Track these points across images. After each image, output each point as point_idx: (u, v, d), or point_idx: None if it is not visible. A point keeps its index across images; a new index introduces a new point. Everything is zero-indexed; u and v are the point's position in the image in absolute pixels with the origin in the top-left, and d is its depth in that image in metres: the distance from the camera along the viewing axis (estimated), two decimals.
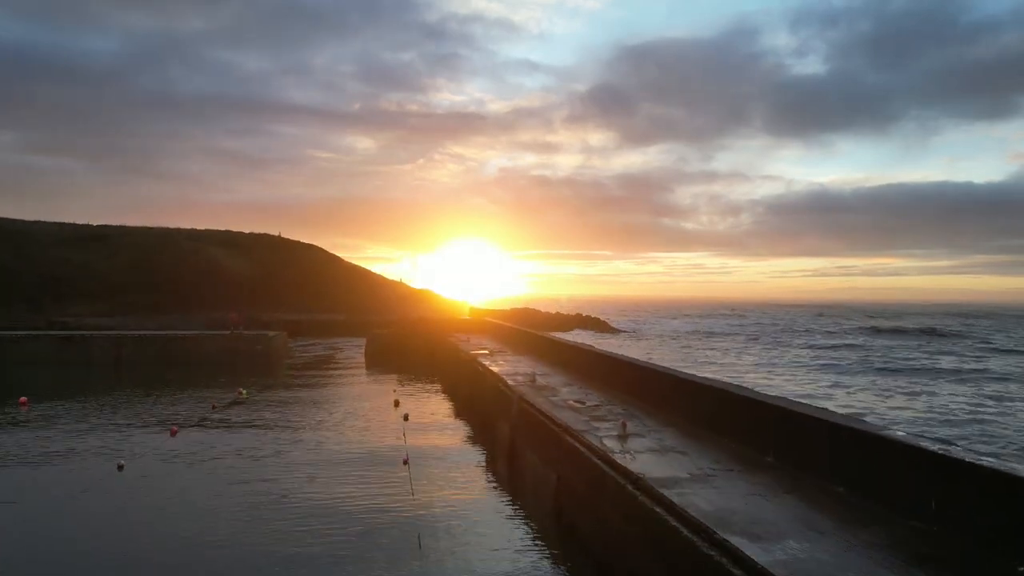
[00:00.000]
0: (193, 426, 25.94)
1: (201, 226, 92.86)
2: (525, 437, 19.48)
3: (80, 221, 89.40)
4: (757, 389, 20.01)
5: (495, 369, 29.37)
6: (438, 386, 39.58)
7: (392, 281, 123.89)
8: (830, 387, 42.80)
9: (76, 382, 38.21)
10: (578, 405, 20.15)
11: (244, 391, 34.35)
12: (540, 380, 25.67)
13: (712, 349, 67.74)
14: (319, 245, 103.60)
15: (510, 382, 25.20)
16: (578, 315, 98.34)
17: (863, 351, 68.32)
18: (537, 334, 35.97)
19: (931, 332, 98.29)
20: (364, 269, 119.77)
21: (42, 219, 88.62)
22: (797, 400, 16.39)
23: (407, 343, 52.30)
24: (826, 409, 15.50)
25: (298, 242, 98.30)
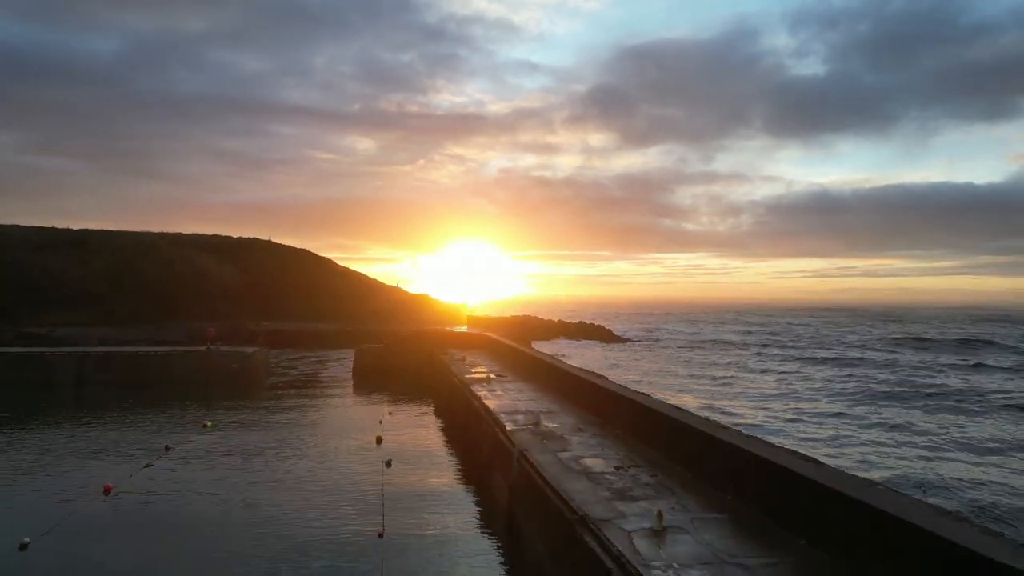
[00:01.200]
0: (140, 470, 21.90)
1: (191, 229, 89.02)
2: (527, 512, 15.43)
3: (61, 225, 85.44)
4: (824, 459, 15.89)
5: (492, 404, 25.33)
6: (431, 408, 35.63)
7: (388, 286, 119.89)
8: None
9: (26, 408, 34.15)
10: (594, 468, 16.10)
11: (209, 423, 30.35)
12: (545, 422, 21.63)
13: (736, 369, 59.06)
14: (312, 249, 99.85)
15: (509, 425, 21.17)
16: (581, 323, 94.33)
17: (905, 371, 59.28)
18: (543, 359, 31.95)
19: (972, 344, 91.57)
20: (359, 274, 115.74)
21: (19, 223, 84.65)
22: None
23: (398, 360, 48.29)
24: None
25: (289, 247, 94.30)
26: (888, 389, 47.60)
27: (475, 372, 35.87)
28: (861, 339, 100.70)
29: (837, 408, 39.46)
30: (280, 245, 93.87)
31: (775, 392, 46.23)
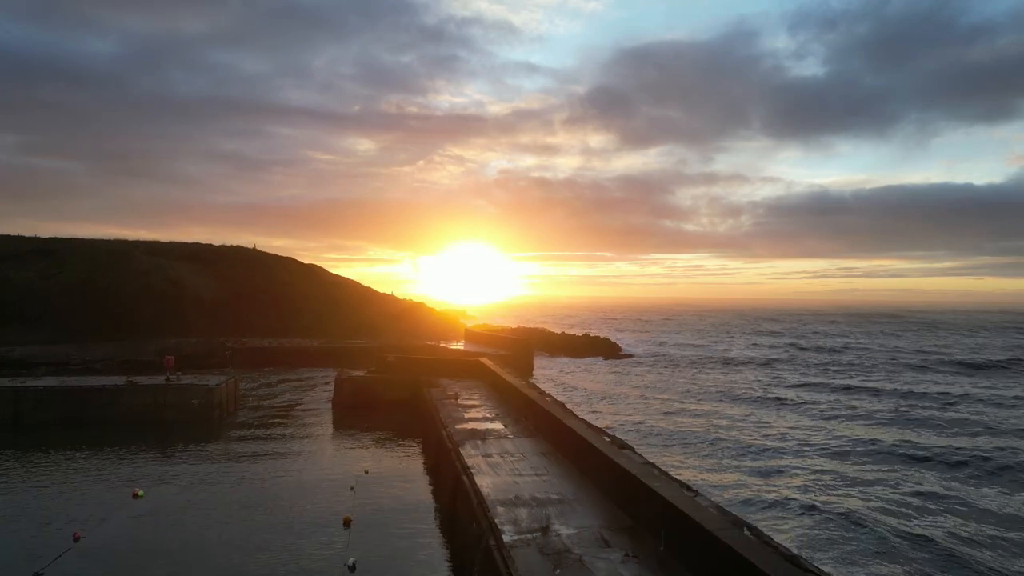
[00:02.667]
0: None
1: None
2: None
3: (29, 233, 79.86)
4: None
5: (486, 483, 19.85)
6: (418, 459, 30.22)
7: (381, 294, 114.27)
8: None
9: None
10: None
11: (141, 492, 24.82)
12: (557, 524, 16.14)
13: (763, 405, 47.87)
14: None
15: (508, 531, 15.68)
16: (586, 336, 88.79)
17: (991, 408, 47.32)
18: (552, 413, 26.27)
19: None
20: (350, 282, 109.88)
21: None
22: None
23: (382, 391, 42.82)
24: None
25: (274, 255, 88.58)
26: (990, 452, 34.91)
27: (468, 418, 30.39)
28: (898, 356, 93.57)
29: (931, 481, 29.66)
30: (265, 253, 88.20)
31: (824, 444, 40.51)
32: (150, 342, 66.60)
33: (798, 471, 30.81)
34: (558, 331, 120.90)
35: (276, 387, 53.15)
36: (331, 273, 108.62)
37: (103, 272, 74.29)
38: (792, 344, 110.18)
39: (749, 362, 79.82)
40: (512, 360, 63.05)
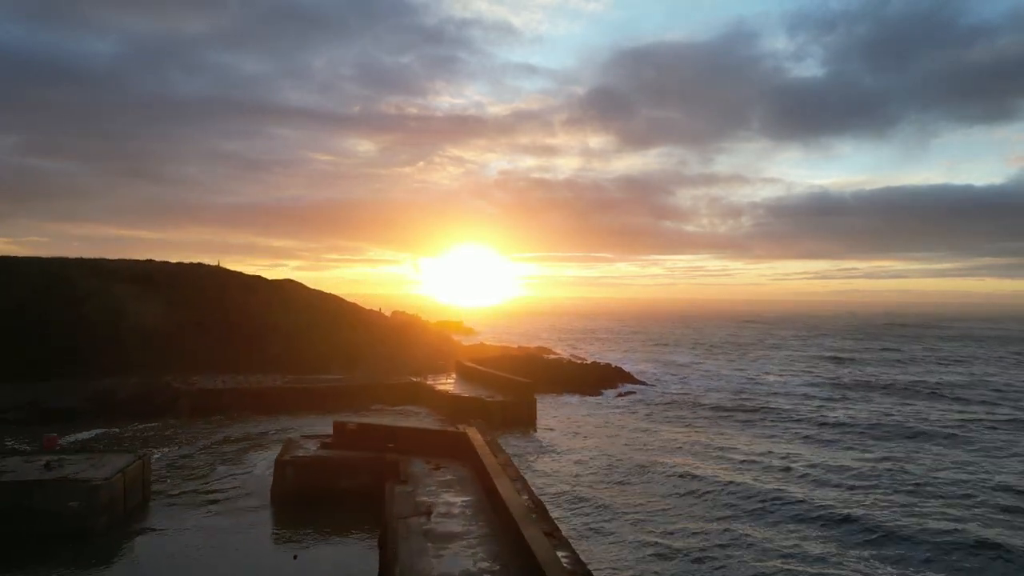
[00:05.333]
0: None
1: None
2: None
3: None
4: None
5: None
6: None
7: (367, 311, 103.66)
8: None
9: None
10: None
11: None
12: None
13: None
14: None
15: None
16: (595, 365, 78.14)
17: None
18: None
19: None
20: (334, 298, 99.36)
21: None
22: None
23: (335, 477, 32.38)
24: None
25: (239, 274, 78.00)
26: None
27: (441, 574, 19.83)
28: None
29: None
30: (230, 272, 77.71)
31: None
32: (80, 384, 56.08)
33: None
34: (563, 352, 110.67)
35: (217, 449, 42.69)
36: (309, 289, 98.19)
37: (38, 298, 63.89)
38: (853, 366, 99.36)
39: (805, 397, 68.44)
40: (512, 409, 52.90)
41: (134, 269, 72.22)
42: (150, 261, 75.03)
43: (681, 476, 38.42)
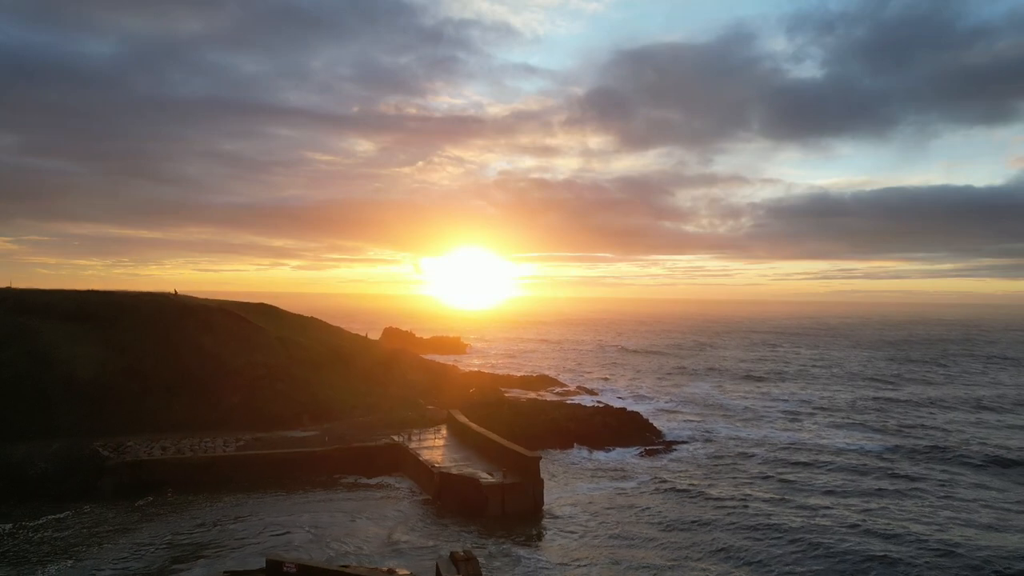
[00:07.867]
0: None
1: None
2: None
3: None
4: None
5: None
6: None
7: (352, 337, 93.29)
8: None
9: None
10: None
11: None
12: None
13: None
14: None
15: None
16: (607, 410, 67.63)
17: None
18: None
19: None
20: (317, 323, 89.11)
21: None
22: None
23: None
24: None
25: (202, 303, 67.35)
26: None
27: None
28: None
29: None
30: (187, 303, 67.01)
31: None
32: None
33: None
34: (569, 383, 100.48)
35: (130, 562, 32.27)
36: (290, 314, 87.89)
37: None
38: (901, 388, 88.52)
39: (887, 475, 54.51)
40: (513, 492, 42.83)
41: (71, 302, 61.65)
42: (92, 292, 64.54)
43: None
